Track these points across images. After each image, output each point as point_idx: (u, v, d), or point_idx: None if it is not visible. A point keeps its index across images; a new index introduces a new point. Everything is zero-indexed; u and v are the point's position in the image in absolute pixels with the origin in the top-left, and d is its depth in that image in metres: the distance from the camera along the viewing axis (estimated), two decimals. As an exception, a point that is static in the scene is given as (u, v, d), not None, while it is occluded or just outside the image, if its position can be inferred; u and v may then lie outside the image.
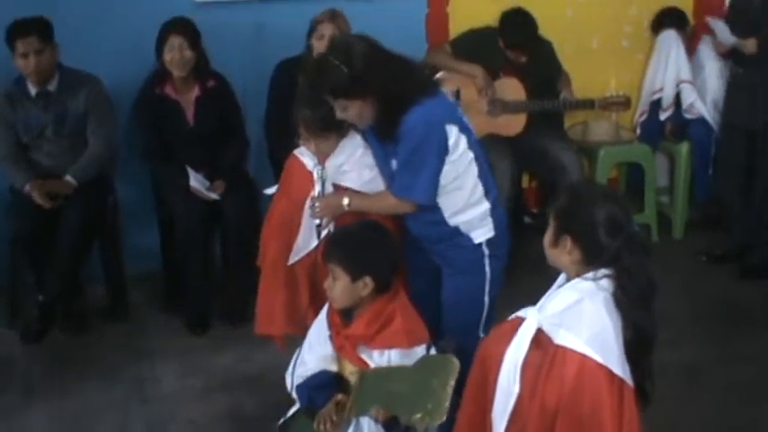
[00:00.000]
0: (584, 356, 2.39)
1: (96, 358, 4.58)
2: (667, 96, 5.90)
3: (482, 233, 3.32)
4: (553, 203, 2.63)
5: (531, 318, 2.57)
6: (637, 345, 2.46)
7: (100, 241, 4.94)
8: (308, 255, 3.55)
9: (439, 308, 3.46)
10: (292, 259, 3.56)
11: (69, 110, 4.70)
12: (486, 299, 3.37)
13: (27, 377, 4.41)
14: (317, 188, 3.39)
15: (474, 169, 3.27)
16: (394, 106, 3.13)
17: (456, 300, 3.40)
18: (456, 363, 2.70)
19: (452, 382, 2.67)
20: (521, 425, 2.49)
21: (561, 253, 2.57)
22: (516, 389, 2.51)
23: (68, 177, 4.65)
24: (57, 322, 4.73)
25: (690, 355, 4.43)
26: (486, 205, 3.31)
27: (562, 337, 2.43)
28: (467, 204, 3.29)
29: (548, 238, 2.60)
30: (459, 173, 3.23)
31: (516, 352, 2.54)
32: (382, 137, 3.27)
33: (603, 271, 2.49)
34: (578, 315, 2.45)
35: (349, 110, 3.15)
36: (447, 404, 2.65)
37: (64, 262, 4.59)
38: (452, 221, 3.31)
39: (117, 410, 4.11)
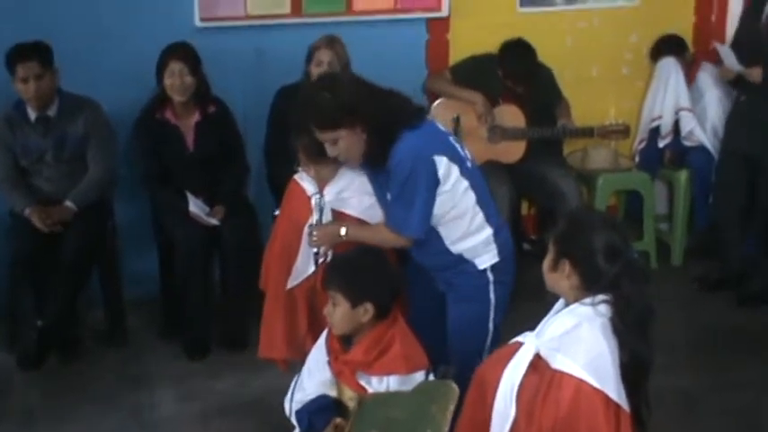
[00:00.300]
0: (580, 381, 2.39)
1: (94, 384, 4.56)
2: (666, 124, 5.91)
3: (486, 259, 3.32)
4: (553, 228, 2.63)
5: (530, 343, 2.57)
6: (633, 370, 2.46)
7: (99, 266, 4.92)
8: (306, 280, 3.55)
9: (443, 334, 3.45)
10: (291, 284, 3.57)
11: (69, 135, 4.71)
12: (491, 325, 3.37)
13: (25, 403, 4.39)
14: (315, 216, 3.39)
15: (470, 197, 3.27)
16: (382, 135, 3.14)
17: (460, 326, 3.40)
18: (455, 389, 2.70)
19: (452, 408, 2.67)
20: None
21: (560, 278, 2.57)
22: (512, 412, 2.51)
23: (68, 203, 4.65)
24: (54, 349, 4.70)
25: (687, 381, 4.42)
26: (488, 231, 3.31)
27: (559, 362, 2.44)
28: (467, 232, 3.29)
29: (547, 262, 2.61)
30: (455, 202, 3.23)
31: (513, 375, 2.54)
32: (374, 169, 3.28)
33: (602, 297, 2.49)
34: (576, 340, 2.45)
35: (338, 143, 3.16)
36: (446, 430, 2.64)
37: (63, 286, 4.58)
38: (455, 249, 3.32)
39: (115, 437, 4.10)
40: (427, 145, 3.17)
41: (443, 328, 3.46)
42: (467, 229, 3.28)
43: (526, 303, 3.44)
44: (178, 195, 4.79)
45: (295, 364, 3.53)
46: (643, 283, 2.52)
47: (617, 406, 2.41)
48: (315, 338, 3.48)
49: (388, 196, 3.28)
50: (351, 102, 3.09)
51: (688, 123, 5.81)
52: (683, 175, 5.93)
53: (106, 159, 4.83)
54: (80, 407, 4.33)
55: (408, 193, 3.14)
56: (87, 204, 4.72)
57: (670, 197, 6.20)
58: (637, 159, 6.11)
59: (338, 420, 2.89)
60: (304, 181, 3.61)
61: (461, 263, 3.33)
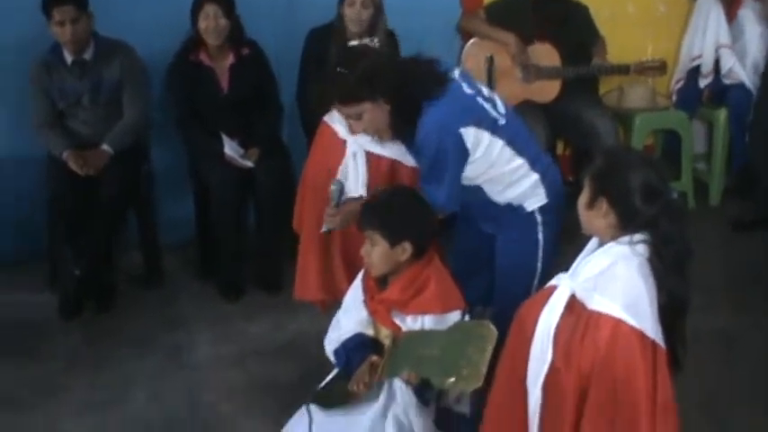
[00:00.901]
0: (618, 321, 2.38)
1: (131, 327, 4.61)
2: (707, 62, 5.85)
3: (535, 201, 3.28)
4: (589, 166, 2.60)
5: (564, 284, 2.55)
6: (671, 310, 2.44)
7: (135, 209, 4.96)
8: None
9: (488, 275, 3.45)
10: (325, 228, 3.56)
11: (105, 78, 4.72)
12: (539, 266, 3.33)
13: (66, 346, 4.45)
14: (333, 201, 3.33)
15: (507, 152, 3.20)
16: (405, 107, 3.09)
17: (508, 267, 3.38)
18: (494, 330, 2.69)
19: (490, 349, 2.66)
20: (558, 393, 2.48)
21: (596, 216, 2.54)
22: (549, 356, 2.50)
23: (105, 146, 4.68)
24: (92, 294, 4.74)
25: (725, 321, 4.41)
26: (534, 176, 3.26)
27: (596, 302, 2.42)
28: (511, 182, 3.25)
29: (583, 200, 2.58)
30: (491, 162, 3.18)
31: (549, 318, 2.53)
32: (403, 143, 3.25)
33: (639, 236, 2.47)
34: (612, 279, 2.43)
35: (363, 117, 3.12)
36: (484, 370, 2.64)
37: (100, 230, 4.62)
38: (501, 200, 3.29)
39: (153, 377, 4.15)
40: (452, 117, 3.09)
41: (488, 270, 3.45)
42: (510, 179, 3.25)
43: (562, 246, 3.41)
44: (213, 138, 4.80)
45: (333, 306, 3.56)
46: (682, 224, 2.49)
47: (654, 344, 2.40)
48: (350, 280, 3.49)
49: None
50: (371, 74, 3.04)
51: (728, 61, 5.74)
52: (721, 114, 5.86)
53: (141, 103, 4.84)
54: (118, 349, 4.39)
55: (437, 170, 3.10)
56: (123, 148, 4.74)
57: (708, 136, 6.15)
58: (674, 98, 6.04)
59: (374, 358, 2.90)
60: (335, 123, 3.59)
61: (509, 209, 3.31)
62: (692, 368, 2.59)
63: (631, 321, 2.37)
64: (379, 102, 3.06)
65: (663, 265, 2.43)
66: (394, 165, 3.53)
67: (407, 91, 3.07)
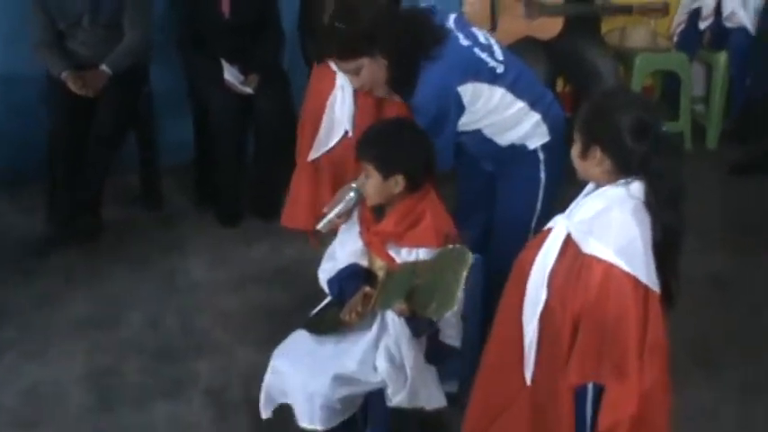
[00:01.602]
0: (610, 265, 2.39)
1: (129, 248, 4.67)
2: (708, 4, 5.82)
3: (537, 140, 3.27)
4: (576, 116, 2.60)
5: (560, 225, 2.57)
6: (666, 246, 2.46)
7: (134, 131, 4.97)
8: (331, 152, 3.56)
9: (489, 212, 3.47)
10: (312, 155, 3.58)
11: (105, -1, 4.69)
12: (539, 205, 3.32)
13: (65, 262, 4.51)
14: (339, 208, 3.08)
15: (507, 98, 3.19)
16: (403, 62, 3.07)
17: (509, 205, 3.38)
18: (469, 254, 2.70)
19: (465, 273, 2.66)
20: (553, 332, 2.52)
21: (591, 164, 2.53)
22: (543, 296, 2.52)
23: (104, 67, 4.66)
24: (89, 213, 4.77)
25: (719, 264, 4.46)
26: (535, 116, 3.24)
27: (591, 246, 2.44)
28: (512, 124, 3.24)
29: (575, 151, 2.57)
30: (490, 109, 3.18)
31: (545, 259, 2.55)
32: (402, 97, 3.22)
33: (634, 177, 2.48)
34: (607, 223, 2.45)
35: (361, 72, 3.10)
36: (459, 294, 2.65)
37: (99, 151, 4.62)
38: (503, 141, 3.28)
39: (149, 299, 4.21)
40: (450, 76, 3.08)
41: (487, 207, 3.47)
42: (511, 122, 3.23)
43: (563, 187, 3.43)
44: (213, 62, 4.79)
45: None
46: (675, 158, 2.49)
47: (646, 288, 2.42)
48: None
49: None
50: (368, 29, 3.03)
51: (730, 4, 5.71)
52: (721, 57, 5.85)
53: (142, 25, 4.81)
54: (116, 270, 4.45)
55: (433, 130, 3.08)
56: (123, 70, 4.72)
57: (707, 79, 6.13)
58: (675, 40, 6.02)
59: (367, 289, 2.92)
60: None
61: (511, 149, 3.30)
62: (684, 310, 2.61)
63: (624, 266, 2.39)
64: (376, 57, 3.05)
65: (657, 201, 2.44)
66: (381, 100, 3.50)
67: (405, 47, 3.05)
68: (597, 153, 2.50)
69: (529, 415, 2.62)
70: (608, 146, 2.48)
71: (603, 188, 2.52)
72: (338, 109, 3.51)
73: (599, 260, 2.41)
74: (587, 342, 2.44)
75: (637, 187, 2.46)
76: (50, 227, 4.68)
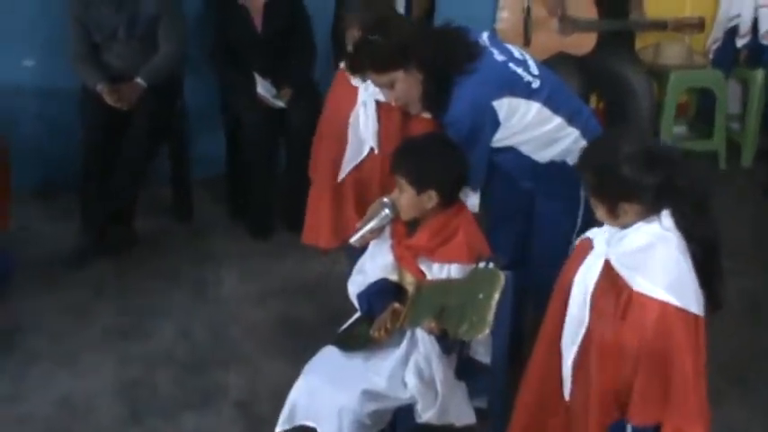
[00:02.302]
0: (663, 303, 2.38)
1: (160, 260, 4.69)
2: (745, 22, 5.79)
3: (577, 156, 3.27)
4: (584, 185, 2.60)
5: (600, 246, 2.55)
6: (706, 257, 2.45)
7: (167, 144, 5.00)
8: (356, 169, 3.54)
9: (523, 229, 3.45)
10: (342, 175, 3.56)
11: (141, 12, 4.71)
12: (579, 221, 3.29)
13: (97, 273, 4.54)
14: (373, 223, 3.07)
15: (545, 113, 3.17)
16: (438, 76, 3.06)
17: (549, 222, 3.36)
18: (501, 276, 2.68)
19: (497, 296, 2.65)
20: (594, 355, 2.52)
21: (626, 217, 2.50)
22: (586, 319, 2.52)
23: (139, 80, 4.69)
24: (120, 226, 4.79)
25: (754, 284, 4.42)
26: (574, 132, 3.22)
27: (639, 284, 2.42)
28: (551, 141, 3.22)
29: (603, 214, 2.54)
30: (525, 125, 3.16)
31: (586, 279, 2.55)
32: (435, 113, 3.21)
33: (663, 209, 2.46)
34: (652, 260, 2.42)
35: (396, 86, 3.09)
36: (490, 317, 2.63)
37: (132, 162, 4.65)
38: (542, 159, 3.27)
39: (180, 311, 4.22)
40: (486, 93, 3.07)
41: (521, 222, 3.45)
42: (549, 138, 3.22)
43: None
44: (246, 76, 4.81)
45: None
46: (689, 168, 2.46)
47: (696, 318, 2.42)
48: None
49: None
50: (403, 42, 3.03)
51: (767, 21, 5.65)
52: (758, 74, 5.81)
53: (177, 38, 4.84)
54: (146, 281, 4.47)
55: (469, 144, 3.07)
56: (157, 82, 4.75)
57: (744, 97, 6.09)
58: (710, 57, 5.99)
59: (396, 305, 2.91)
60: None
61: (552, 166, 3.28)
62: (716, 330, 2.60)
63: (676, 302, 2.38)
64: (411, 71, 3.04)
65: (687, 219, 2.42)
66: (406, 114, 3.49)
67: (440, 61, 3.05)
68: (625, 206, 2.47)
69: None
70: (630, 196, 2.46)
71: (637, 225, 2.49)
72: (362, 126, 3.49)
73: (652, 300, 2.40)
74: (649, 383, 2.44)
75: (667, 218, 2.44)
76: (84, 238, 4.69)
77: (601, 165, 2.51)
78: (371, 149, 3.50)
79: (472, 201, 3.28)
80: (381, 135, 3.48)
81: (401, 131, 3.47)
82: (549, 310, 2.69)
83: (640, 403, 2.45)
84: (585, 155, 2.62)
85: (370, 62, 3.10)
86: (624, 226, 2.53)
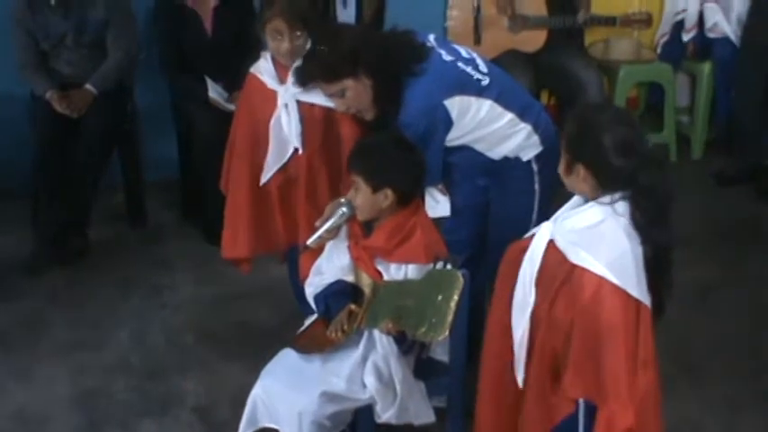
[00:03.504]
0: (602, 278, 2.39)
1: (114, 266, 4.65)
2: (691, 16, 5.84)
3: (530, 150, 3.26)
4: (561, 132, 2.61)
5: (545, 229, 2.57)
6: (657, 262, 2.45)
7: (119, 149, 4.96)
8: (280, 171, 3.52)
9: (483, 226, 3.46)
10: (264, 178, 3.53)
11: (89, 18, 4.68)
12: (534, 216, 3.30)
13: (48, 281, 4.49)
14: (329, 223, 3.02)
15: (496, 110, 3.18)
16: (387, 81, 3.07)
17: (504, 218, 3.37)
18: (461, 278, 2.70)
19: (456, 298, 2.66)
20: (545, 337, 2.53)
21: (576, 180, 2.53)
22: (532, 299, 2.53)
23: (89, 86, 4.66)
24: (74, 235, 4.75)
25: (705, 275, 4.45)
26: (526, 127, 3.23)
27: (581, 258, 2.43)
28: (504, 137, 3.23)
29: (561, 167, 2.57)
30: (478, 122, 3.18)
31: (530, 264, 2.55)
32: (387, 117, 3.18)
33: (619, 194, 2.47)
34: (599, 237, 2.44)
35: (346, 94, 3.09)
36: (450, 319, 2.64)
37: (84, 169, 4.61)
38: (496, 155, 3.28)
39: (135, 317, 4.19)
40: (437, 93, 3.08)
41: (481, 221, 3.46)
42: (502, 134, 3.23)
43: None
44: (197, 81, 4.79)
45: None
46: (661, 173, 2.49)
47: (637, 303, 2.42)
48: (288, 231, 3.56)
49: None
50: (350, 49, 3.03)
51: (713, 15, 5.73)
52: (706, 68, 5.87)
53: (126, 44, 4.81)
54: (101, 286, 4.45)
55: (424, 144, 3.07)
56: (107, 88, 4.72)
57: (692, 90, 6.15)
58: (659, 52, 6.04)
59: (352, 306, 2.91)
60: (264, 75, 3.54)
61: (506, 162, 3.29)
62: (669, 320, 2.60)
63: (614, 280, 2.39)
64: (361, 78, 3.04)
65: (644, 218, 2.44)
66: (329, 113, 3.47)
67: (389, 65, 3.06)
68: (581, 170, 2.49)
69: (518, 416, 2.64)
70: (591, 163, 2.48)
71: (591, 204, 2.51)
72: (285, 127, 3.46)
73: (590, 273, 2.41)
74: (582, 356, 2.44)
75: (622, 206, 2.46)
76: (37, 246, 4.65)
77: (587, 120, 2.53)
78: (295, 150, 3.47)
79: (443, 206, 3.31)
80: (305, 135, 3.46)
81: (326, 131, 3.46)
82: (495, 295, 2.70)
83: (573, 375, 2.45)
84: (583, 105, 2.63)
85: (319, 72, 3.10)
86: (572, 191, 2.57)
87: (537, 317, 2.54)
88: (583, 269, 2.42)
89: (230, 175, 3.67)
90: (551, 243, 2.53)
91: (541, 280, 2.52)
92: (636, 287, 2.40)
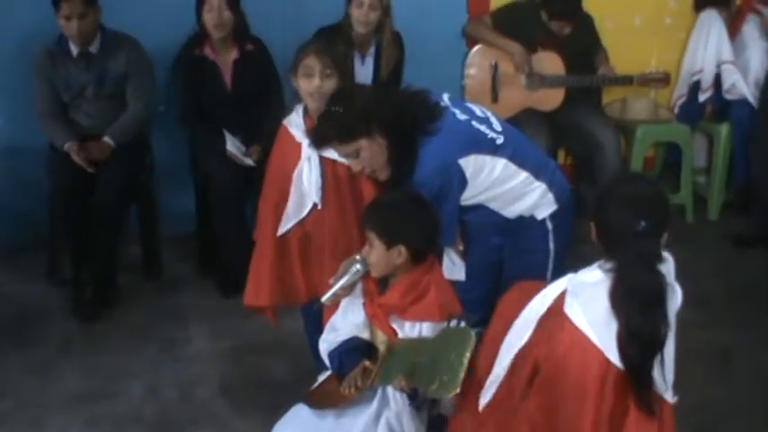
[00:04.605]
0: (582, 334, 2.39)
1: (129, 317, 4.65)
2: (707, 77, 5.86)
3: (545, 209, 3.28)
4: (595, 184, 2.65)
5: (565, 278, 2.58)
6: (627, 341, 2.39)
7: (136, 201, 4.99)
8: (299, 225, 3.53)
9: (497, 284, 3.45)
10: (282, 230, 3.53)
11: (109, 71, 4.73)
12: (549, 275, 3.32)
13: (63, 332, 4.49)
14: (344, 280, 3.04)
15: (510, 168, 3.21)
16: (402, 141, 3.09)
17: (517, 276, 3.33)
18: (473, 335, 2.69)
19: (468, 355, 2.66)
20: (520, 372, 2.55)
21: (593, 236, 2.57)
22: (527, 336, 2.53)
23: (107, 138, 4.69)
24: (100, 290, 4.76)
25: (722, 337, 4.41)
26: (540, 186, 3.25)
27: (570, 307, 2.45)
28: (519, 195, 3.25)
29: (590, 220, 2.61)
30: (493, 181, 3.19)
31: (539, 304, 2.57)
32: (402, 177, 3.19)
33: (610, 265, 2.47)
34: (593, 296, 2.44)
35: (361, 154, 3.11)
36: (462, 376, 2.63)
37: (102, 222, 4.62)
38: (510, 214, 3.30)
39: (149, 369, 4.17)
40: (451, 152, 3.10)
41: (495, 280, 3.46)
42: (517, 194, 3.25)
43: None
44: (216, 133, 4.82)
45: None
46: (650, 265, 2.44)
47: (613, 367, 2.40)
48: (308, 284, 3.55)
49: None
50: (364, 109, 3.05)
51: (730, 76, 5.75)
52: (723, 129, 5.88)
53: (145, 96, 4.85)
54: (114, 338, 4.44)
55: (439, 204, 3.09)
56: (126, 141, 4.75)
57: (709, 150, 6.15)
58: (676, 112, 6.06)
59: (367, 363, 2.91)
60: (292, 126, 3.57)
61: (520, 221, 3.31)
62: (687, 383, 2.59)
63: (593, 339, 2.39)
64: (375, 137, 3.06)
65: (618, 296, 2.41)
66: (352, 170, 3.49)
67: (403, 125, 3.07)
68: (593, 229, 2.52)
69: None
70: (598, 226, 2.52)
71: (599, 263, 2.52)
72: (306, 181, 3.48)
73: (571, 323, 2.41)
74: (541, 404, 2.46)
75: (608, 275, 2.44)
76: (77, 300, 4.68)
77: (610, 187, 2.59)
78: (314, 205, 3.48)
79: (459, 270, 3.32)
80: (327, 190, 3.46)
81: (348, 187, 3.46)
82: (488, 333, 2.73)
83: (527, 418, 2.48)
84: (619, 174, 2.63)
85: (334, 133, 3.10)
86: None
87: (521, 353, 2.54)
88: (568, 319, 2.42)
89: (258, 223, 3.69)
90: (564, 293, 2.54)
91: (541, 322, 2.53)
92: (615, 355, 2.39)
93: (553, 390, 2.44)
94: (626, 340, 2.39)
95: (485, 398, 2.63)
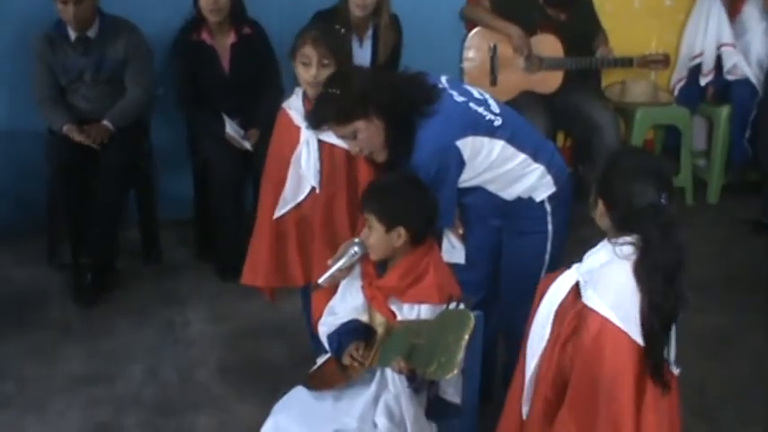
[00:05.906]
0: (605, 319, 2.39)
1: (128, 301, 4.66)
2: (707, 61, 5.86)
3: (544, 191, 3.26)
4: (591, 164, 2.64)
5: (574, 269, 2.57)
6: (651, 316, 2.40)
7: (135, 186, 4.99)
8: (296, 208, 3.53)
9: (496, 267, 3.46)
10: (278, 213, 3.54)
11: (108, 56, 4.73)
12: (547, 257, 3.32)
13: (63, 315, 4.50)
14: (342, 262, 3.04)
15: (508, 150, 3.19)
16: (399, 122, 3.08)
17: (517, 259, 3.38)
18: (471, 318, 2.69)
19: (467, 337, 2.65)
20: (544, 365, 2.55)
21: (597, 214, 2.58)
22: (547, 333, 2.54)
23: (106, 122, 4.69)
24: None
25: (722, 321, 4.43)
26: (539, 167, 3.23)
27: (588, 297, 2.44)
28: (517, 178, 3.24)
29: (591, 197, 2.61)
30: (491, 162, 3.18)
31: (552, 299, 2.56)
32: (399, 158, 3.19)
33: (628, 239, 2.47)
34: (607, 277, 2.44)
35: (358, 136, 3.10)
36: (460, 358, 2.63)
37: (101, 207, 4.63)
38: (509, 196, 3.28)
39: (148, 352, 4.19)
40: (449, 134, 3.08)
41: (494, 262, 3.46)
42: (515, 175, 3.23)
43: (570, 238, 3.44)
44: (214, 117, 4.82)
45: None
46: (672, 238, 2.44)
47: (639, 346, 2.41)
48: (304, 267, 3.56)
49: None
50: (361, 91, 3.04)
51: (731, 58, 5.75)
52: (723, 111, 5.87)
53: (144, 81, 4.85)
54: (114, 322, 4.45)
55: (437, 185, 3.08)
56: (125, 124, 4.75)
57: (709, 133, 6.14)
58: (675, 95, 6.05)
59: (364, 344, 2.92)
60: (292, 109, 3.57)
61: (519, 202, 3.30)
62: (686, 366, 2.59)
63: (617, 321, 2.39)
64: (372, 119, 3.05)
65: (644, 271, 2.42)
66: (350, 154, 3.49)
67: (400, 107, 3.06)
68: (601, 207, 2.52)
69: None
70: (609, 205, 2.51)
71: (603, 244, 2.52)
72: (304, 165, 3.48)
73: (594, 313, 2.41)
74: (580, 396, 2.44)
75: (628, 249, 2.45)
76: (76, 285, 4.69)
77: (618, 163, 2.60)
78: (312, 189, 3.48)
79: (459, 253, 3.32)
80: (324, 174, 3.46)
81: (344, 172, 3.46)
82: (527, 330, 2.70)
83: (569, 413, 2.46)
84: (620, 149, 2.62)
85: (331, 115, 3.10)
86: (598, 222, 2.60)
87: (548, 351, 2.54)
88: (590, 309, 2.42)
89: (259, 204, 3.70)
90: (577, 284, 2.53)
91: (558, 316, 2.53)
92: (638, 332, 2.39)
93: (588, 382, 2.43)
94: (648, 313, 2.40)
95: (525, 405, 2.62)
